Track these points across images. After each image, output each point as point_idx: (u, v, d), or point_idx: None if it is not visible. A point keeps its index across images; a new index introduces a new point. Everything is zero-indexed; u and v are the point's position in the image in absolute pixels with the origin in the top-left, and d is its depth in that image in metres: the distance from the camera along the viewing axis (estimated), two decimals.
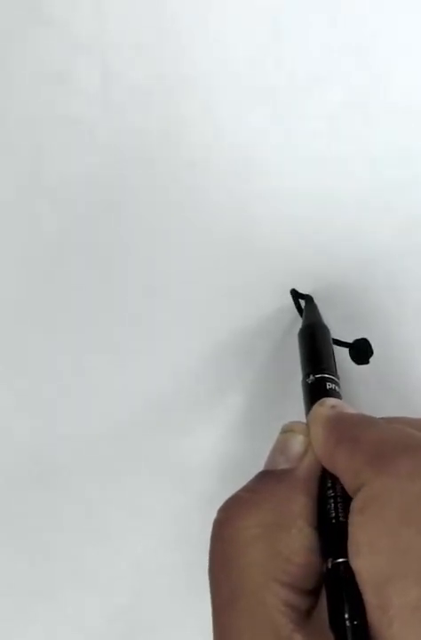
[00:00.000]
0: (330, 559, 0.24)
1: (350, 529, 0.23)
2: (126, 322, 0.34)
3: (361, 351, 0.34)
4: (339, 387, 0.30)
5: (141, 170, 0.34)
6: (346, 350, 0.34)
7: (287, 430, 0.28)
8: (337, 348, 0.34)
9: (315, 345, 0.32)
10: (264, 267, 0.34)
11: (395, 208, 0.34)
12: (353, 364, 0.34)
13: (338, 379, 0.31)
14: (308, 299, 0.34)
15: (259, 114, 0.34)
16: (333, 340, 0.33)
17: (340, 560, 0.23)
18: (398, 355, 0.34)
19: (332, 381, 0.30)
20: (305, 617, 0.24)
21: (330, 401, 0.28)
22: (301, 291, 0.34)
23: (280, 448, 0.27)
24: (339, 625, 0.22)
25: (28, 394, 0.35)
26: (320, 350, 0.32)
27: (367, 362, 0.34)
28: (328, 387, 0.30)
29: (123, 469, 0.35)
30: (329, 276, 0.34)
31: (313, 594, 0.24)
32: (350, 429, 0.26)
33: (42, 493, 0.35)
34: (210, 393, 0.35)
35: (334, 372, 0.31)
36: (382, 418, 0.27)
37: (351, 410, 0.28)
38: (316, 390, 0.30)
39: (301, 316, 0.34)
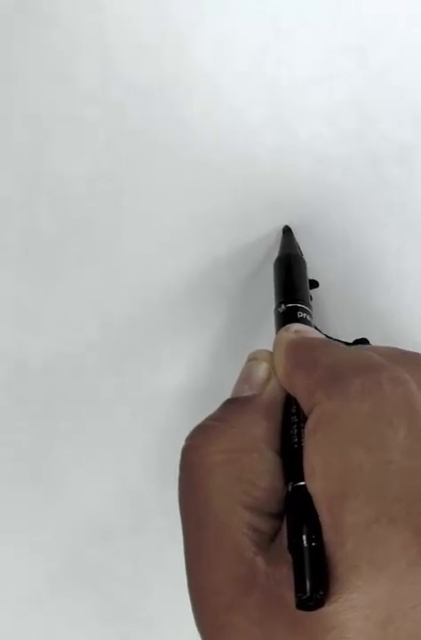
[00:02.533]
0: (291, 482, 0.24)
1: (304, 451, 0.24)
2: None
3: None
4: (311, 317, 0.30)
5: (141, 170, 0.34)
6: None
7: (251, 358, 0.28)
8: None
9: (289, 275, 0.32)
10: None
11: (395, 208, 0.34)
12: None
13: (311, 309, 0.31)
14: (286, 229, 0.34)
15: (259, 114, 0.34)
16: (332, 339, 0.33)
17: (300, 483, 0.23)
18: None
19: (303, 310, 0.30)
20: (269, 540, 0.24)
21: (295, 326, 0.29)
22: None
23: (244, 376, 0.28)
24: (297, 547, 0.23)
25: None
26: (293, 280, 0.32)
27: None
28: (298, 316, 0.30)
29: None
30: (329, 276, 0.34)
31: (278, 517, 0.25)
32: (308, 352, 0.26)
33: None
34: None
35: (306, 302, 0.31)
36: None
37: (315, 334, 0.29)
38: (287, 319, 0.30)
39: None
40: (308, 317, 0.30)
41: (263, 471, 0.25)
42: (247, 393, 0.27)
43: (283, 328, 0.29)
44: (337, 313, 0.34)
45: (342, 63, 0.34)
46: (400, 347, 0.33)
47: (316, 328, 0.30)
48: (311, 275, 0.34)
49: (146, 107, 0.34)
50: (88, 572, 0.36)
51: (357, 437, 0.23)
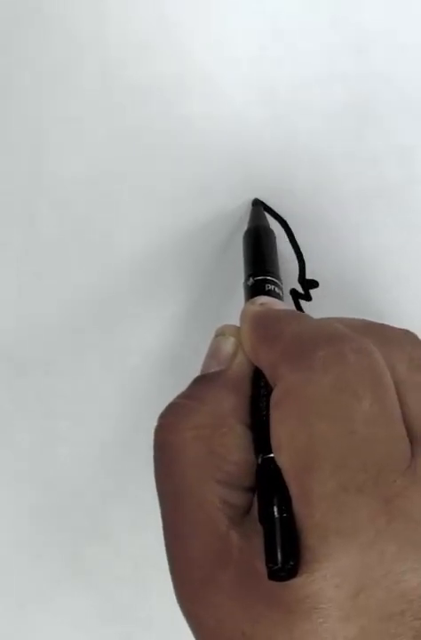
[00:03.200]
0: (261, 455, 0.24)
1: (270, 424, 0.24)
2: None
3: None
4: (281, 289, 0.30)
5: (141, 170, 0.34)
6: None
7: (219, 333, 0.28)
8: None
9: (258, 248, 0.32)
10: None
11: (395, 208, 0.34)
12: None
13: (281, 282, 0.30)
14: (255, 202, 0.34)
15: (259, 114, 0.34)
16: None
17: (269, 456, 0.24)
18: None
19: (272, 283, 0.30)
20: (242, 514, 0.24)
21: (261, 299, 0.29)
22: (298, 288, 0.34)
23: (212, 352, 0.28)
24: (267, 518, 0.23)
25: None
26: (262, 253, 0.32)
27: None
28: (267, 288, 0.29)
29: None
30: (329, 276, 0.34)
31: (251, 491, 0.25)
32: (273, 324, 0.26)
33: None
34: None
35: (275, 275, 0.30)
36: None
37: (281, 306, 0.29)
38: (255, 292, 0.29)
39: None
40: (277, 289, 0.30)
41: (234, 445, 0.25)
42: (215, 368, 0.27)
43: (249, 301, 0.29)
44: (337, 313, 0.34)
45: (342, 63, 0.34)
46: None
47: (300, 301, 0.30)
48: (311, 275, 0.34)
49: (147, 107, 0.34)
50: (88, 572, 0.36)
51: (321, 409, 0.23)
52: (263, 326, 0.27)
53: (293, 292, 0.34)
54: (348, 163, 0.34)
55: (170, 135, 0.34)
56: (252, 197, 0.34)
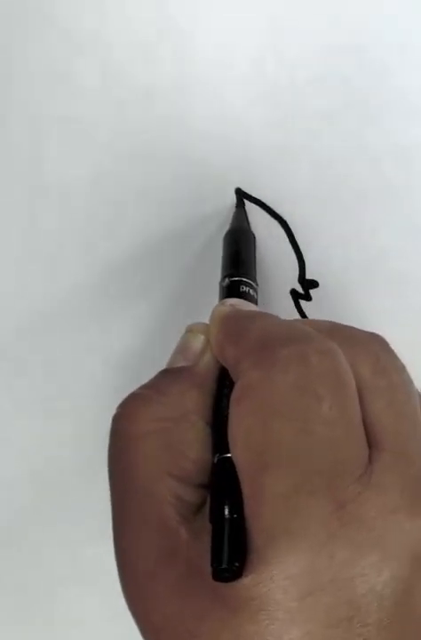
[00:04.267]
0: (218, 454, 0.24)
1: (229, 421, 0.23)
2: None
3: None
4: (256, 291, 0.30)
5: (141, 170, 0.34)
6: None
7: (189, 331, 0.28)
8: None
9: (235, 249, 0.32)
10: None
11: (395, 208, 0.34)
12: None
13: (257, 285, 0.30)
14: (238, 204, 0.34)
15: (259, 114, 0.34)
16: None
17: (226, 455, 0.23)
18: (398, 355, 0.34)
19: (247, 285, 0.30)
20: (195, 511, 0.24)
21: (231, 300, 0.29)
22: (298, 288, 0.34)
23: (180, 348, 0.27)
24: (216, 518, 0.22)
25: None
26: (239, 255, 0.32)
27: None
28: (241, 289, 0.29)
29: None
30: (329, 277, 0.34)
31: (205, 489, 0.24)
32: (240, 324, 0.26)
33: None
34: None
35: (251, 277, 0.30)
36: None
37: (250, 307, 0.28)
38: (230, 293, 0.29)
39: (302, 315, 0.34)
40: (251, 292, 0.30)
41: (193, 442, 0.25)
42: (181, 364, 0.27)
43: (220, 302, 0.28)
44: (337, 313, 0.34)
45: (342, 63, 0.34)
46: (399, 347, 0.33)
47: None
48: (311, 275, 0.34)
49: (147, 107, 0.34)
50: (88, 571, 0.36)
51: (279, 408, 0.22)
52: (230, 325, 0.26)
53: (293, 292, 0.34)
54: (348, 163, 0.34)
55: (170, 135, 0.34)
56: (252, 198, 0.34)
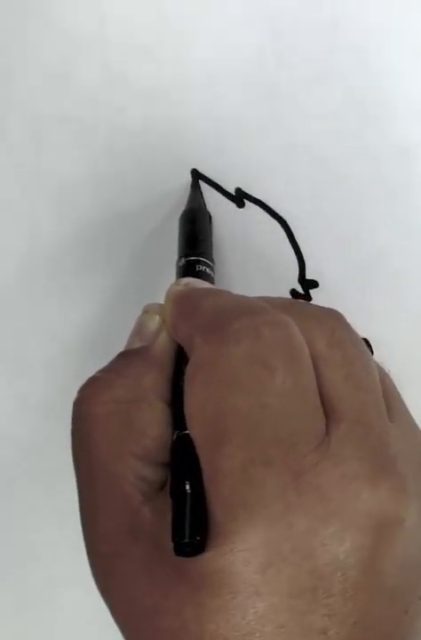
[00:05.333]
0: (177, 431, 0.24)
1: (184, 398, 0.23)
2: None
3: None
4: (213, 270, 0.30)
5: (141, 170, 0.34)
6: None
7: (144, 311, 0.28)
8: None
9: (191, 229, 0.32)
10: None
11: (395, 208, 0.34)
12: None
13: (213, 263, 0.30)
14: (193, 184, 0.34)
15: (259, 114, 0.34)
16: None
17: (185, 432, 0.23)
18: (398, 355, 0.34)
19: (203, 263, 0.30)
20: (157, 490, 0.24)
21: (185, 279, 0.29)
22: (298, 288, 0.34)
23: (136, 329, 0.27)
24: (175, 493, 0.23)
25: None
26: (195, 234, 0.32)
27: None
28: (197, 269, 0.30)
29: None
30: (329, 276, 0.34)
31: (167, 467, 0.25)
32: (193, 300, 0.26)
33: None
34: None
35: (207, 256, 0.30)
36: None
37: (204, 285, 0.28)
38: (186, 273, 0.30)
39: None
40: (208, 270, 0.30)
41: (152, 421, 0.25)
42: (138, 345, 0.27)
43: (175, 282, 0.28)
44: None
45: (342, 63, 0.34)
46: (399, 347, 0.33)
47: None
48: (311, 275, 0.34)
49: (147, 107, 0.34)
50: (88, 571, 0.36)
51: (232, 381, 0.22)
52: (183, 302, 0.26)
53: (293, 292, 0.34)
54: (348, 163, 0.34)
55: (170, 135, 0.34)
56: (252, 198, 0.34)
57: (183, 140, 0.34)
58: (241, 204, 0.34)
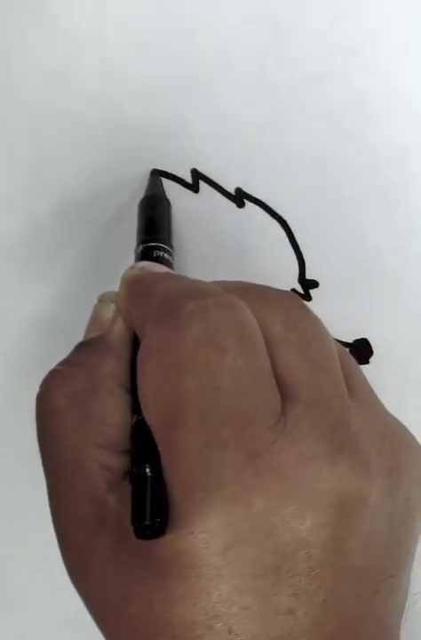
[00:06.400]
0: (135, 416, 0.24)
1: (137, 383, 0.23)
2: None
3: (361, 351, 0.34)
4: (171, 255, 0.30)
5: (141, 170, 0.34)
6: (346, 350, 0.34)
7: (99, 300, 0.28)
8: None
9: (149, 216, 0.32)
10: None
11: (395, 208, 0.34)
12: None
13: (172, 248, 0.31)
14: (153, 171, 0.34)
15: (259, 114, 0.34)
16: (339, 341, 0.33)
17: (142, 417, 0.23)
18: (398, 355, 0.34)
19: (161, 249, 0.30)
20: (121, 478, 0.24)
21: (140, 263, 0.29)
22: (298, 288, 0.34)
23: (92, 319, 0.28)
24: (134, 477, 0.23)
25: None
26: (153, 221, 0.32)
27: (367, 362, 0.34)
28: (155, 254, 0.30)
29: None
30: (329, 276, 0.34)
31: (130, 454, 0.25)
32: (145, 284, 0.26)
33: None
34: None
35: (165, 242, 0.31)
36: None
37: (159, 268, 0.28)
38: (143, 258, 0.30)
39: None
40: (166, 256, 0.30)
41: (113, 408, 0.25)
42: (95, 334, 0.27)
43: (129, 266, 0.28)
44: (337, 313, 0.34)
45: (342, 63, 0.34)
46: (400, 347, 0.33)
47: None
48: (311, 275, 0.34)
49: (147, 106, 0.34)
50: None
51: (183, 364, 0.22)
52: (136, 288, 0.26)
53: (293, 292, 0.34)
54: (348, 163, 0.34)
55: (171, 135, 0.34)
56: (248, 203, 0.34)
57: (183, 139, 0.34)
58: (241, 204, 0.34)
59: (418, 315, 0.34)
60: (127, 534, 0.22)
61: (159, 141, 0.34)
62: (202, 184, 0.34)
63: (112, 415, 0.25)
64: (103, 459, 0.24)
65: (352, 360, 0.26)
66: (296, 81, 0.34)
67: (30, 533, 0.35)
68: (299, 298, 0.25)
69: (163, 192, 0.33)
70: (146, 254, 0.30)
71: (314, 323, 0.25)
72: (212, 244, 0.34)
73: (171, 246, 0.31)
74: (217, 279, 0.34)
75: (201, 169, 0.34)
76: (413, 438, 0.25)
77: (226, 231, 0.34)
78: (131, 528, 0.22)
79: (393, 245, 0.34)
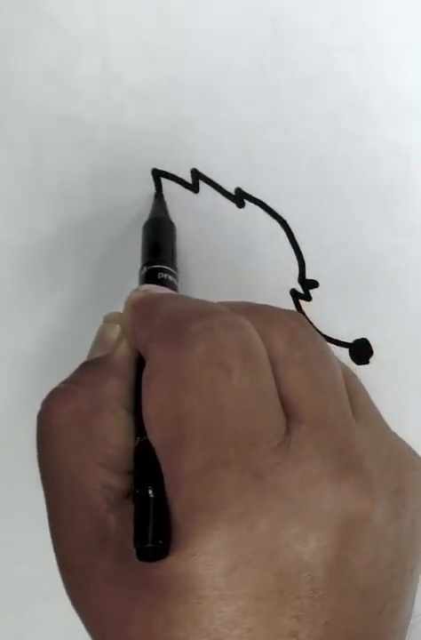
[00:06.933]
0: (138, 437, 0.24)
1: (142, 403, 0.23)
2: None
3: (361, 351, 0.34)
4: (176, 277, 0.30)
5: (141, 170, 0.34)
6: (346, 350, 0.34)
7: (105, 321, 0.28)
8: (336, 348, 0.34)
9: (154, 238, 0.32)
10: None
11: (395, 208, 0.34)
12: (352, 363, 0.34)
13: (177, 271, 0.31)
14: (157, 194, 0.34)
15: (259, 114, 0.34)
16: (332, 339, 0.33)
17: (146, 437, 0.23)
18: (398, 355, 0.34)
19: (165, 271, 0.30)
20: (122, 498, 0.24)
21: (145, 286, 0.29)
22: (298, 288, 0.34)
23: (97, 339, 0.28)
24: (136, 497, 0.23)
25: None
26: (157, 243, 0.32)
27: (367, 362, 0.34)
28: (159, 276, 0.30)
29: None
30: (329, 276, 0.34)
31: (132, 475, 0.24)
32: (150, 305, 0.26)
33: None
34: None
35: (169, 264, 0.31)
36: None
37: (163, 290, 0.28)
38: (148, 281, 0.30)
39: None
40: (170, 278, 0.30)
41: (115, 429, 0.25)
42: (99, 354, 0.27)
43: (135, 288, 0.28)
44: (336, 313, 0.34)
45: (342, 63, 0.34)
46: (400, 347, 0.33)
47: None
48: (311, 275, 0.34)
49: (146, 107, 0.34)
50: None
51: (188, 383, 0.22)
52: (141, 309, 0.26)
53: (293, 292, 0.34)
54: (347, 163, 0.34)
55: (170, 135, 0.34)
56: (248, 203, 0.34)
57: (183, 140, 0.34)
58: (241, 204, 0.34)
59: (418, 315, 0.34)
60: (128, 555, 0.22)
61: (159, 141, 0.34)
62: (202, 184, 0.34)
63: (114, 435, 0.24)
64: (105, 478, 0.24)
65: (356, 380, 0.26)
66: (296, 81, 0.34)
67: (30, 533, 0.35)
68: (304, 317, 0.25)
69: (167, 214, 0.33)
70: (150, 276, 0.30)
71: (319, 343, 0.25)
72: (212, 243, 0.34)
73: (176, 268, 0.31)
74: (217, 279, 0.34)
75: (201, 169, 0.34)
76: (419, 459, 0.25)
77: (226, 231, 0.34)
78: (133, 549, 0.22)
79: (393, 245, 0.34)
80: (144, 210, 0.34)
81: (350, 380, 0.25)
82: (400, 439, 0.25)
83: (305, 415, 0.23)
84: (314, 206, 0.34)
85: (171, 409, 0.22)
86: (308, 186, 0.34)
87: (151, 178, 0.34)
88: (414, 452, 0.25)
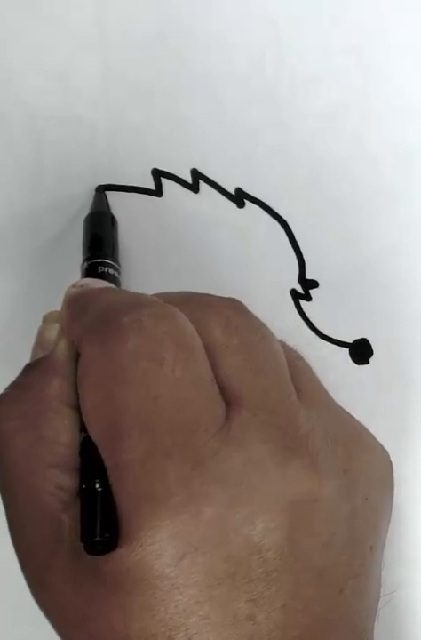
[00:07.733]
0: (82, 433, 0.24)
1: (79, 399, 0.24)
2: None
3: (361, 351, 0.34)
4: (117, 271, 0.30)
5: (141, 170, 0.34)
6: (346, 350, 0.34)
7: (43, 320, 0.28)
8: (336, 348, 0.34)
9: (95, 232, 0.32)
10: None
11: (395, 208, 0.34)
12: (352, 363, 0.34)
13: (119, 265, 0.31)
14: (98, 188, 0.34)
15: (259, 114, 0.34)
16: (332, 339, 0.33)
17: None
18: (398, 355, 0.34)
19: (106, 265, 0.30)
20: (76, 496, 0.24)
21: (82, 281, 0.29)
22: (298, 288, 0.34)
23: (37, 339, 0.27)
24: (82, 493, 0.23)
25: None
26: (98, 237, 0.32)
27: (367, 362, 0.34)
28: (99, 271, 0.30)
29: None
30: (329, 276, 0.34)
31: None
32: (84, 301, 0.26)
33: None
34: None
35: (110, 257, 0.31)
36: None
37: (99, 284, 0.28)
38: (88, 275, 0.30)
39: (302, 315, 0.34)
40: (111, 271, 0.30)
41: (61, 428, 0.25)
42: (40, 355, 0.27)
43: (70, 285, 0.28)
44: (336, 313, 0.34)
45: (342, 63, 0.34)
46: (400, 347, 0.33)
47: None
48: (311, 275, 0.34)
49: (147, 107, 0.34)
50: None
51: (120, 377, 0.22)
52: (76, 305, 0.26)
53: (293, 292, 0.34)
54: (348, 163, 0.34)
55: (170, 135, 0.34)
56: (248, 203, 0.34)
57: (183, 140, 0.34)
58: (241, 204, 0.34)
59: (418, 315, 0.34)
60: (83, 552, 0.22)
61: (159, 141, 0.34)
62: (202, 184, 0.34)
63: (61, 434, 0.24)
64: (56, 478, 0.24)
65: (302, 361, 0.26)
66: (296, 81, 0.34)
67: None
68: (242, 303, 0.25)
69: (108, 208, 0.33)
70: (90, 271, 0.30)
71: (257, 327, 0.25)
72: (212, 243, 0.34)
73: (118, 262, 0.31)
74: (217, 279, 0.34)
75: (201, 169, 0.34)
76: (372, 438, 0.25)
77: (226, 231, 0.34)
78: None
79: (392, 245, 0.34)
80: (144, 209, 0.34)
81: (295, 361, 0.25)
82: (351, 419, 0.25)
83: (245, 400, 0.23)
84: (314, 206, 0.34)
85: (106, 404, 0.22)
86: (308, 186, 0.34)
87: (151, 177, 0.34)
88: (366, 432, 0.25)
